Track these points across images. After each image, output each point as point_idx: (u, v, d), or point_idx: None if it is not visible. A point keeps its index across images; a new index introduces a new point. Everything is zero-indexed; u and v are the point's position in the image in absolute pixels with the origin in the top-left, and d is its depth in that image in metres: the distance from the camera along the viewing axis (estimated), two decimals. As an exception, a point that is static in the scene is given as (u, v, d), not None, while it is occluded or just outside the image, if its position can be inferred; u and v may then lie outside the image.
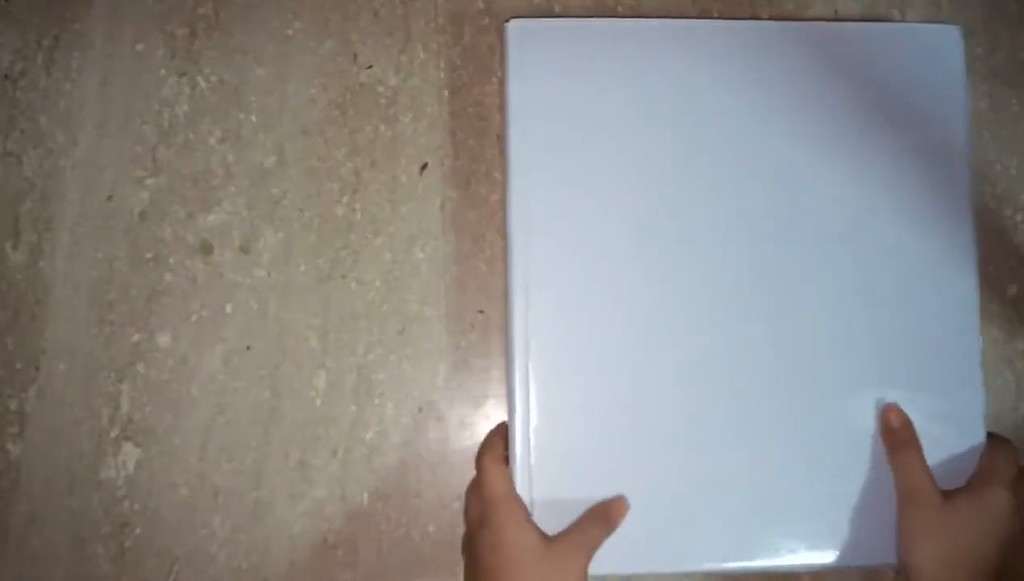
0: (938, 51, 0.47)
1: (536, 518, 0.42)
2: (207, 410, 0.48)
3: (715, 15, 0.52)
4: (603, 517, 0.42)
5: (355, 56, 0.51)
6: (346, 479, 0.48)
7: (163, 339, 0.48)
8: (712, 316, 0.44)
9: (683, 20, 0.48)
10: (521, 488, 0.42)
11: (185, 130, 0.49)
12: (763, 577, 0.48)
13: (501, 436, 0.44)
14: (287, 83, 0.50)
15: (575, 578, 0.39)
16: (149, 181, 0.49)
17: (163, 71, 0.50)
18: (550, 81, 0.45)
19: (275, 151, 0.50)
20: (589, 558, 0.41)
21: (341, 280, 0.49)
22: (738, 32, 0.47)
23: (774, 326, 0.44)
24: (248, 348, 0.48)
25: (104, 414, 0.47)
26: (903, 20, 0.53)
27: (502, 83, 0.45)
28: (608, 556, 0.41)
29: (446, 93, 0.51)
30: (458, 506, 0.47)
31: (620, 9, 0.52)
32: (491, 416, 0.49)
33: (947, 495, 0.41)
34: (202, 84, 0.50)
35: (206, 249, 0.49)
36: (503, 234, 0.47)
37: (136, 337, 0.48)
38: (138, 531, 0.47)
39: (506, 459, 0.43)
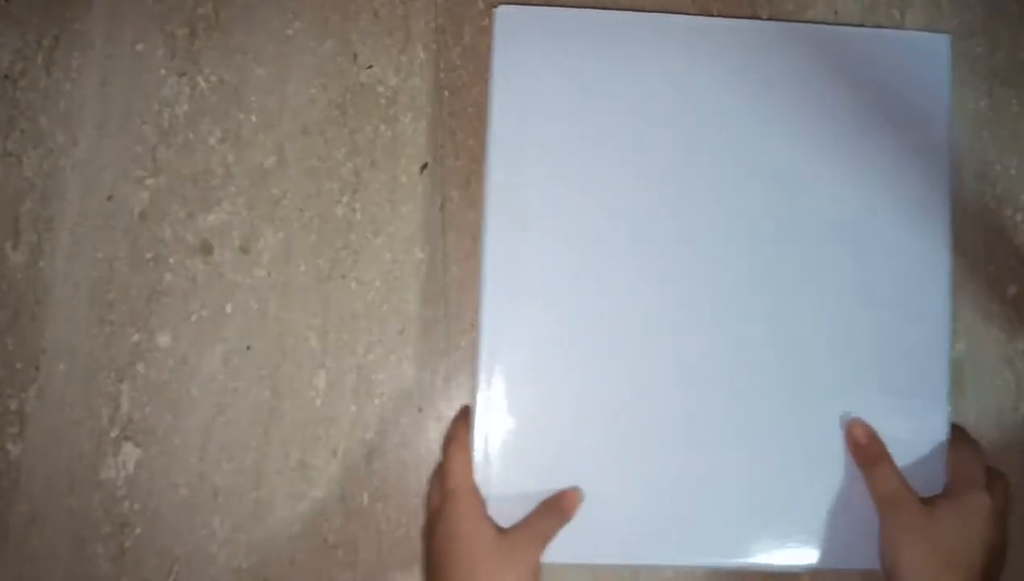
0: (927, 59, 0.47)
1: (492, 510, 0.42)
2: (207, 410, 0.48)
3: (715, 14, 0.52)
4: (557, 508, 0.42)
5: (355, 56, 0.51)
6: (346, 479, 0.48)
7: (163, 339, 0.48)
8: (675, 311, 0.44)
9: (675, 16, 0.48)
10: (479, 480, 0.43)
11: (185, 130, 0.49)
12: (763, 577, 0.48)
13: (467, 423, 0.44)
14: (287, 83, 0.50)
15: (527, 569, 0.40)
16: (149, 181, 0.49)
17: (163, 71, 0.50)
18: (536, 69, 0.45)
19: (275, 151, 0.50)
20: (542, 549, 0.41)
21: (341, 280, 0.49)
22: (730, 30, 0.47)
23: (742, 321, 0.44)
24: (248, 348, 0.48)
25: (104, 414, 0.47)
26: (903, 20, 0.53)
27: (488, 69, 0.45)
28: (564, 546, 0.42)
29: (446, 93, 0.51)
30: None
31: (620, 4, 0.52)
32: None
33: (926, 503, 0.40)
34: (202, 84, 0.50)
35: (206, 249, 0.49)
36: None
37: (136, 337, 0.48)
38: (138, 531, 0.47)
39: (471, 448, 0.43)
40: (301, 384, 0.48)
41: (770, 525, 0.44)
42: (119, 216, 0.49)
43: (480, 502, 0.42)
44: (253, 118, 0.50)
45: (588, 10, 0.47)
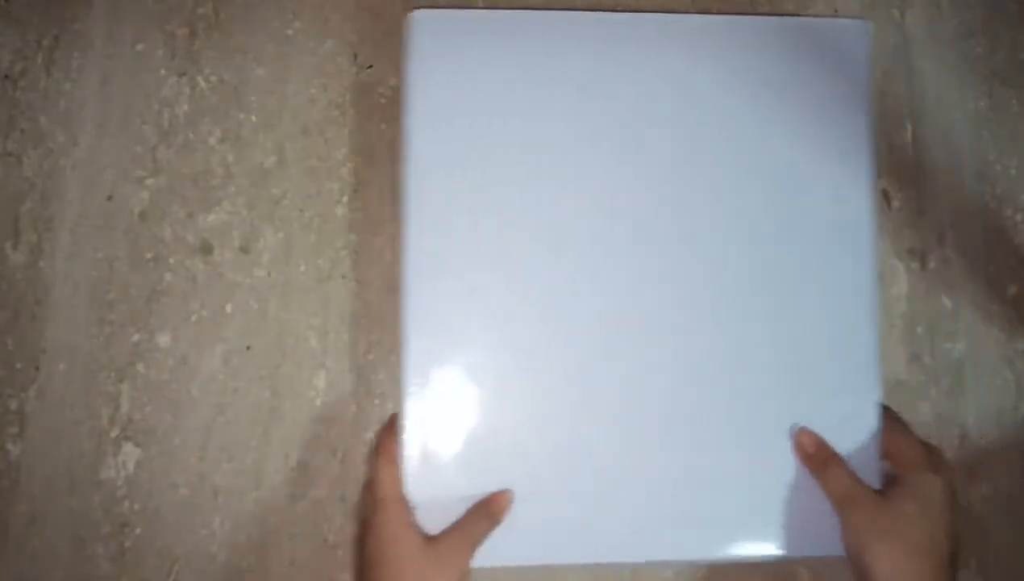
0: (847, 46, 0.46)
1: (423, 518, 0.42)
2: (207, 410, 0.48)
3: (714, 12, 0.52)
4: (486, 512, 0.42)
5: (355, 56, 0.51)
6: (346, 479, 0.48)
7: (163, 339, 0.48)
8: (604, 309, 0.44)
9: (592, 12, 0.48)
10: (409, 487, 0.42)
11: (185, 130, 0.49)
12: (762, 574, 0.48)
13: (395, 432, 0.44)
14: (287, 83, 0.50)
15: (455, 574, 0.40)
16: (149, 181, 0.49)
17: (163, 71, 0.50)
18: (451, 73, 0.44)
19: (275, 151, 0.50)
20: (471, 553, 0.41)
21: (341, 280, 0.49)
22: (647, 25, 0.46)
23: (677, 316, 0.44)
24: (248, 348, 0.48)
25: (104, 414, 0.48)
26: (902, 19, 0.53)
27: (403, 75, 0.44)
28: (498, 549, 0.42)
29: (446, 93, 0.51)
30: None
31: (619, 7, 0.52)
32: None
33: (882, 495, 0.40)
34: (202, 84, 0.50)
35: (206, 249, 0.49)
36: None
37: (136, 337, 0.48)
38: (138, 531, 0.47)
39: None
40: (301, 384, 0.48)
41: (713, 518, 0.43)
42: (119, 216, 0.49)
43: (408, 511, 0.41)
44: (253, 118, 0.50)
45: (498, 11, 0.46)
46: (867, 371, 0.44)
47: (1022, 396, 0.51)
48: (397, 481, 0.42)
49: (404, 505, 0.41)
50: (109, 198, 0.49)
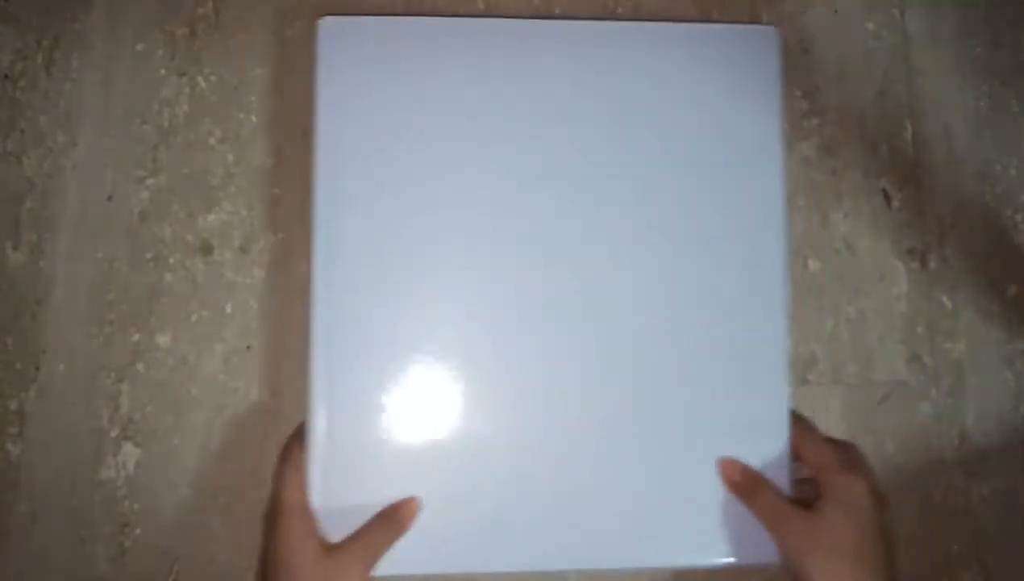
0: (757, 52, 0.46)
1: (328, 526, 0.41)
2: (207, 410, 0.48)
3: (714, 15, 0.52)
4: (390, 520, 0.41)
5: (355, 56, 0.50)
6: (346, 479, 0.48)
7: (163, 339, 0.48)
8: (515, 314, 0.44)
9: (503, 19, 0.48)
10: (314, 496, 0.42)
11: (185, 130, 0.49)
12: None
13: (302, 441, 0.43)
14: (287, 83, 0.50)
15: None
16: (149, 181, 0.49)
17: (163, 71, 0.50)
18: (360, 79, 0.44)
19: (275, 151, 0.50)
20: (371, 564, 0.40)
21: (341, 280, 0.49)
22: (564, 32, 0.46)
23: (578, 324, 0.44)
24: (248, 348, 0.48)
25: (104, 414, 0.48)
26: (902, 19, 0.53)
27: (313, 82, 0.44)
28: (405, 557, 0.41)
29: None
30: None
31: (620, 10, 0.52)
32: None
33: (810, 511, 0.40)
34: (202, 84, 0.50)
35: (206, 249, 0.49)
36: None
37: (136, 337, 0.48)
38: (138, 531, 0.47)
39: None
40: (301, 384, 0.48)
41: (630, 526, 0.43)
42: (119, 216, 0.49)
43: (309, 520, 0.41)
44: (253, 118, 0.50)
45: (407, 17, 0.46)
46: (776, 378, 0.44)
47: (1022, 396, 0.51)
48: (300, 489, 0.41)
49: (306, 514, 0.41)
50: (109, 198, 0.49)
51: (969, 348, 0.51)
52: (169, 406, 0.48)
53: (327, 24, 0.44)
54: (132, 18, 0.50)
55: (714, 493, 0.43)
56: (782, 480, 0.43)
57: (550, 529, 0.43)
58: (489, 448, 0.43)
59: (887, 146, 0.52)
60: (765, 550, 0.41)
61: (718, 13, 0.52)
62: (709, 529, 0.43)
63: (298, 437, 0.43)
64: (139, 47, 0.50)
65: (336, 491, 0.42)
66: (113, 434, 0.47)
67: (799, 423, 0.44)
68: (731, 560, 0.43)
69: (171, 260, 0.49)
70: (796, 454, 0.44)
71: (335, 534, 0.41)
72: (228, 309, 0.48)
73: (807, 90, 0.52)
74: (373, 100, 0.44)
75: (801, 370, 0.51)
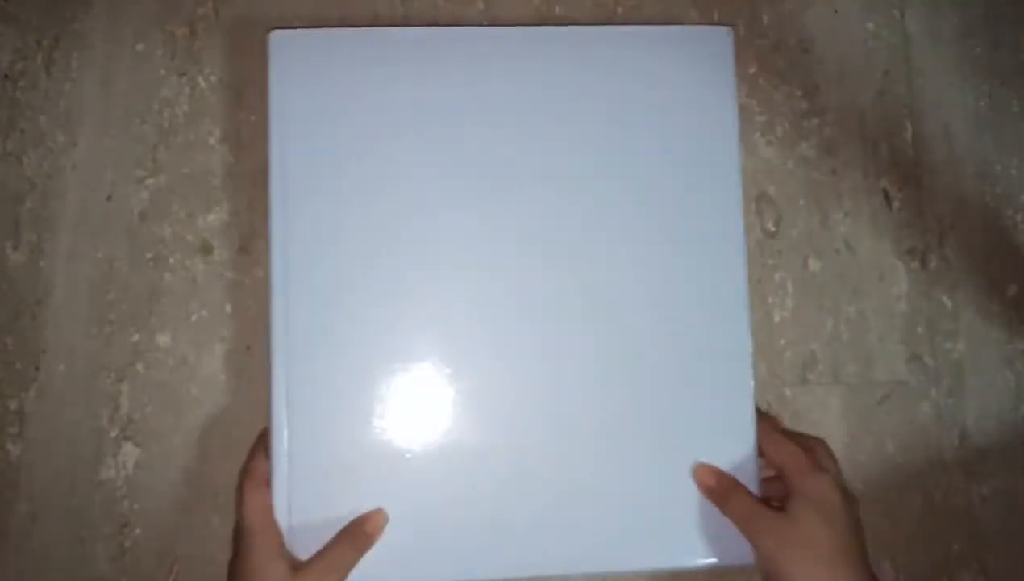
0: (712, 53, 0.46)
1: (293, 544, 0.41)
2: (207, 410, 0.48)
3: (715, 17, 0.52)
4: (357, 534, 0.41)
5: (355, 56, 0.50)
6: (346, 479, 0.48)
7: (163, 339, 0.48)
8: (481, 322, 0.44)
9: (456, 28, 0.48)
10: (279, 513, 0.41)
11: (185, 130, 0.49)
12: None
13: (264, 451, 0.43)
14: (287, 83, 0.50)
15: None
16: (149, 181, 0.49)
17: (163, 71, 0.50)
18: (313, 92, 0.44)
19: (275, 151, 0.50)
20: (339, 579, 0.40)
21: (341, 280, 0.49)
22: (516, 39, 0.46)
23: (537, 328, 0.44)
24: (248, 348, 0.48)
25: (104, 414, 0.48)
26: (902, 19, 0.53)
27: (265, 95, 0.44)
28: (377, 570, 0.41)
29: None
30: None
31: (620, 11, 0.52)
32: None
33: (782, 513, 0.40)
34: (202, 84, 0.50)
35: (206, 249, 0.49)
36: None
37: (136, 337, 0.48)
38: (138, 531, 0.47)
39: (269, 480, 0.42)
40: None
41: (599, 530, 0.43)
42: (119, 216, 0.49)
43: (275, 539, 0.40)
44: (253, 118, 0.50)
45: (359, 29, 0.46)
46: (741, 378, 0.44)
47: (1022, 396, 0.51)
48: (265, 507, 0.41)
49: (271, 532, 0.40)
50: (109, 198, 0.49)
51: (969, 348, 0.51)
52: (169, 406, 0.48)
53: (277, 37, 0.45)
54: (132, 18, 0.50)
55: (690, 495, 0.44)
56: (750, 481, 0.43)
57: (523, 536, 0.43)
58: (458, 456, 0.43)
59: (887, 146, 0.52)
60: (746, 551, 0.42)
61: (719, 15, 0.52)
62: (688, 531, 0.43)
63: (259, 449, 0.43)
64: (139, 47, 0.50)
65: (302, 506, 0.41)
66: (113, 434, 0.47)
67: (763, 422, 0.45)
68: (712, 561, 0.44)
69: (171, 260, 0.49)
70: (760, 453, 0.44)
71: (303, 551, 0.41)
72: (228, 309, 0.48)
73: (807, 90, 0.52)
74: (324, 111, 0.44)
75: (801, 370, 0.51)
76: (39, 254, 0.48)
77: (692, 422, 0.44)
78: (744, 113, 0.52)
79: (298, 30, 0.45)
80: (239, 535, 0.41)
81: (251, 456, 0.43)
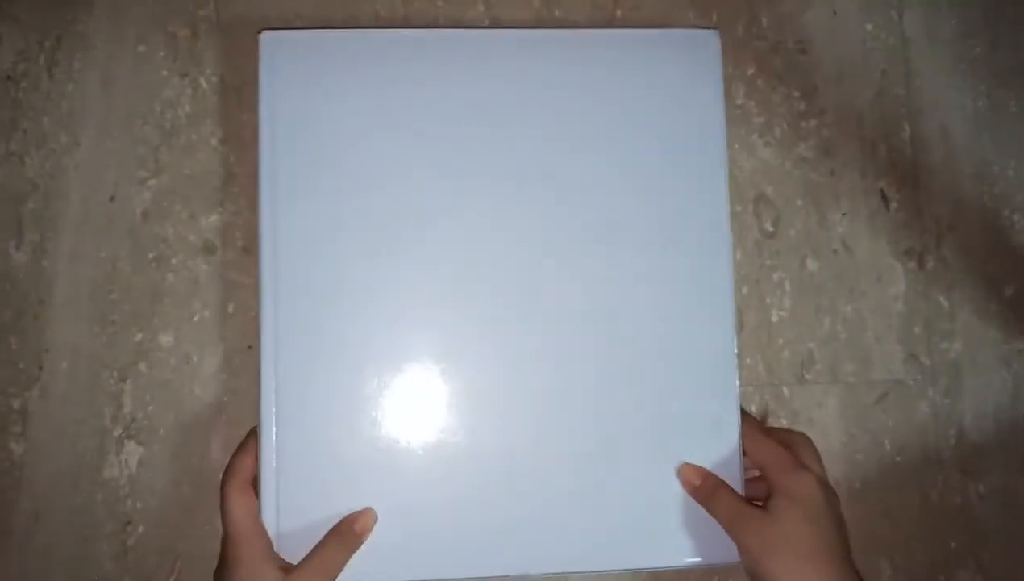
0: (699, 55, 0.46)
1: (283, 548, 0.41)
2: (209, 409, 0.48)
3: (714, 19, 0.52)
4: (346, 534, 0.41)
5: (356, 57, 0.51)
6: (347, 478, 0.48)
7: (165, 339, 0.48)
8: (470, 319, 0.44)
9: (446, 30, 0.48)
10: (267, 514, 0.41)
11: (187, 131, 0.50)
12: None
13: (251, 456, 0.42)
14: (288, 84, 0.50)
15: None
16: (152, 181, 0.49)
17: (165, 72, 0.50)
18: (303, 93, 0.44)
19: (276, 152, 0.50)
20: (330, 580, 0.40)
21: (342, 280, 0.49)
22: (504, 41, 0.46)
23: (523, 330, 0.44)
24: (249, 348, 0.49)
25: (107, 413, 0.48)
26: (900, 20, 0.54)
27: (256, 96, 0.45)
28: (367, 568, 0.41)
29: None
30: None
31: (620, 13, 0.52)
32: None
33: (767, 511, 0.40)
34: (204, 85, 0.50)
35: (208, 249, 0.49)
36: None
37: (139, 336, 0.48)
38: (141, 529, 0.47)
39: (255, 482, 0.42)
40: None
41: (590, 530, 0.44)
42: (122, 216, 0.49)
43: (263, 543, 0.40)
44: (254, 119, 0.50)
45: (348, 31, 0.46)
46: (726, 378, 0.45)
47: (1019, 396, 0.52)
48: (250, 510, 0.41)
49: (259, 536, 0.40)
50: (112, 198, 0.49)
51: (966, 348, 0.52)
52: (171, 405, 0.48)
53: (268, 38, 0.45)
54: (134, 19, 0.50)
55: (675, 495, 0.44)
56: (735, 481, 0.44)
57: (511, 535, 0.43)
58: (444, 455, 0.43)
59: (885, 147, 0.53)
60: (729, 550, 0.42)
61: (717, 16, 0.52)
62: (672, 531, 0.44)
63: (244, 452, 0.43)
64: (141, 48, 0.50)
65: (290, 507, 0.42)
66: (116, 433, 0.48)
67: (746, 422, 0.45)
68: (696, 560, 0.44)
69: (173, 260, 0.49)
70: (749, 456, 0.44)
71: (290, 551, 0.41)
72: (230, 309, 0.49)
73: (805, 91, 0.53)
74: (315, 111, 0.44)
75: (799, 369, 0.51)
76: (42, 254, 0.49)
77: (677, 423, 0.44)
78: (743, 114, 0.52)
79: (289, 31, 0.45)
80: (226, 541, 0.40)
81: (235, 454, 0.43)
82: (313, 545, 0.41)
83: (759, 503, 0.42)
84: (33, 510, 0.47)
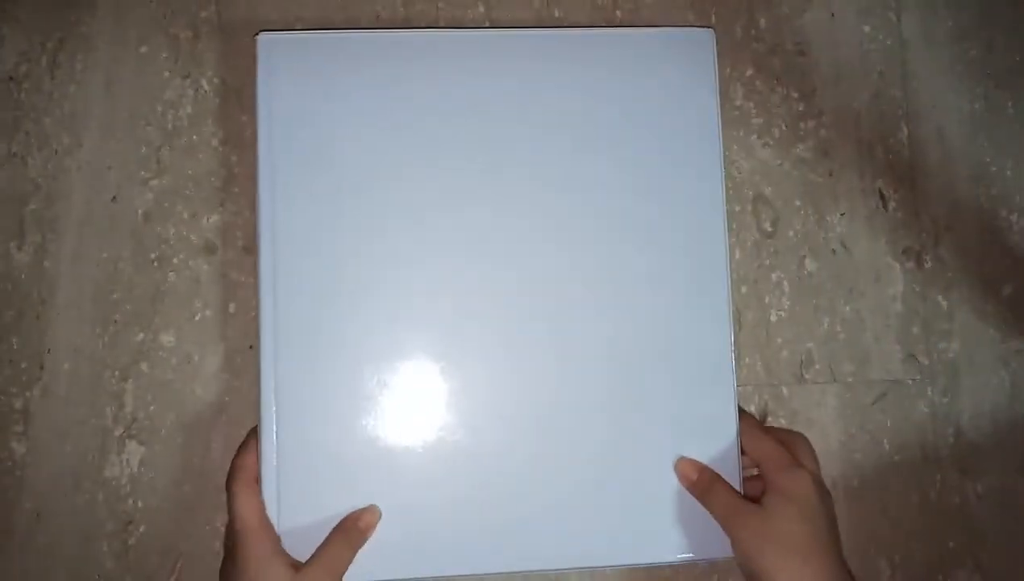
0: (693, 54, 0.47)
1: (288, 545, 0.41)
2: (210, 409, 0.48)
3: (713, 20, 0.53)
4: (351, 531, 0.41)
5: (357, 58, 0.51)
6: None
7: (167, 338, 0.49)
8: (471, 318, 0.44)
9: (442, 30, 0.48)
10: (271, 513, 0.42)
11: (189, 132, 0.50)
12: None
13: (254, 455, 0.43)
14: (289, 85, 0.50)
15: None
16: (153, 182, 0.50)
17: (167, 73, 0.50)
18: (301, 93, 0.45)
19: (277, 152, 0.50)
20: (338, 577, 0.41)
21: (343, 280, 0.49)
22: (494, 42, 0.47)
23: (522, 327, 0.44)
24: (251, 347, 0.49)
25: (108, 413, 0.48)
26: (898, 22, 0.54)
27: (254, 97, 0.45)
28: (372, 564, 0.42)
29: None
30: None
31: (619, 13, 0.52)
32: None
33: (761, 507, 0.41)
34: (205, 86, 0.50)
35: (210, 249, 0.49)
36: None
37: (140, 336, 0.48)
38: (142, 528, 0.48)
39: (259, 480, 0.42)
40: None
41: (592, 526, 0.44)
42: (123, 217, 0.49)
43: (270, 540, 0.40)
44: (255, 120, 0.50)
45: (345, 32, 0.47)
46: (724, 377, 0.45)
47: (1017, 395, 0.52)
48: (256, 507, 0.41)
49: (266, 534, 0.40)
50: (113, 199, 0.49)
51: (964, 348, 0.52)
52: (173, 405, 0.48)
53: (265, 40, 0.45)
54: (136, 21, 0.51)
55: (669, 491, 0.44)
56: (732, 477, 0.44)
57: (510, 533, 0.43)
58: (443, 452, 0.43)
59: (883, 148, 0.53)
60: (723, 545, 0.42)
61: (716, 17, 0.53)
62: (665, 527, 0.44)
63: (248, 450, 0.43)
64: (143, 49, 0.50)
65: (292, 504, 0.42)
66: (117, 432, 0.48)
67: (744, 419, 0.45)
68: (688, 556, 0.44)
69: (175, 260, 0.49)
70: (748, 453, 0.45)
71: (294, 549, 0.41)
72: (231, 309, 0.49)
73: (803, 92, 0.53)
74: (312, 112, 0.45)
75: (798, 369, 0.51)
76: (44, 254, 0.49)
77: (675, 420, 0.45)
78: (741, 115, 0.52)
79: (286, 32, 0.46)
80: (234, 536, 0.40)
81: (239, 453, 0.44)
82: (314, 543, 0.41)
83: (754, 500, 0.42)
84: (35, 509, 0.47)
